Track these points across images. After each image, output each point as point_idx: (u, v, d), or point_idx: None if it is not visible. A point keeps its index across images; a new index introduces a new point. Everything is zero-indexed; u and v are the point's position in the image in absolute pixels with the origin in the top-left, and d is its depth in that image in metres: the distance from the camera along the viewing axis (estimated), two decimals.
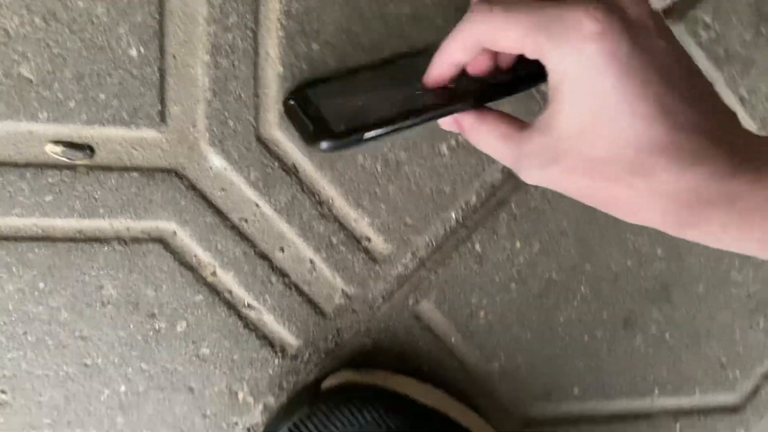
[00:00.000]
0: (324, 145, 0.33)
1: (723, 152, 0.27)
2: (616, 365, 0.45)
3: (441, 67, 0.33)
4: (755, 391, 0.49)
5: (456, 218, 0.41)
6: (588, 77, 0.27)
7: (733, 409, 0.48)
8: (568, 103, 0.28)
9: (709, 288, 0.46)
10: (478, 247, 0.42)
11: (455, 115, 0.34)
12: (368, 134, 0.33)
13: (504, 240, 0.42)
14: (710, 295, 0.46)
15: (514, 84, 0.35)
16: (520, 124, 0.31)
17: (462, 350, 0.43)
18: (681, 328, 0.46)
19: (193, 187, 0.37)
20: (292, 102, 0.35)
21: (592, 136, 0.28)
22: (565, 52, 0.27)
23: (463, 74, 0.33)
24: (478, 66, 0.33)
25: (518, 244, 0.43)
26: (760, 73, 0.44)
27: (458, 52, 0.31)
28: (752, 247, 0.28)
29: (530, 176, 0.30)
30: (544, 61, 0.28)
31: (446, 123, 0.35)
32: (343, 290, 0.40)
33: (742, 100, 0.44)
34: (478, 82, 0.34)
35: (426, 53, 0.36)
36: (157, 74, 0.36)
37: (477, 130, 0.33)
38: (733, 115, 0.29)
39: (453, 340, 0.42)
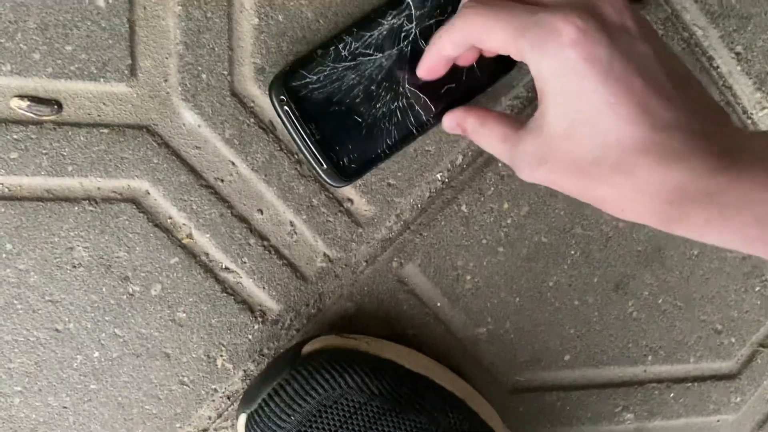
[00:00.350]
0: (340, 185, 0.36)
1: (706, 150, 0.27)
2: (607, 331, 0.44)
3: (433, 61, 0.34)
4: (751, 358, 0.47)
5: (441, 179, 0.40)
6: (569, 82, 0.28)
7: (728, 377, 0.47)
8: (553, 106, 0.28)
9: (703, 250, 0.44)
10: (464, 208, 0.41)
11: (457, 120, 0.35)
12: (374, 167, 0.37)
13: (491, 201, 0.41)
14: (704, 258, 0.45)
15: (495, 74, 0.37)
16: (518, 125, 0.32)
17: (448, 315, 0.41)
18: (674, 293, 0.45)
19: (165, 144, 0.36)
20: (286, 108, 0.34)
21: (577, 138, 0.28)
22: (545, 58, 0.28)
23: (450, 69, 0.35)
24: (466, 60, 0.35)
25: (506, 206, 0.41)
26: (756, 29, 0.43)
27: (449, 48, 0.33)
28: (735, 242, 0.28)
29: (525, 175, 0.31)
30: (528, 65, 0.29)
31: (451, 128, 0.36)
32: (324, 254, 0.39)
33: (738, 56, 0.43)
34: (462, 78, 0.36)
35: (406, 7, 0.35)
36: (127, 26, 0.34)
37: (478, 133, 0.34)
38: (722, 113, 0.29)
39: (438, 304, 0.41)
